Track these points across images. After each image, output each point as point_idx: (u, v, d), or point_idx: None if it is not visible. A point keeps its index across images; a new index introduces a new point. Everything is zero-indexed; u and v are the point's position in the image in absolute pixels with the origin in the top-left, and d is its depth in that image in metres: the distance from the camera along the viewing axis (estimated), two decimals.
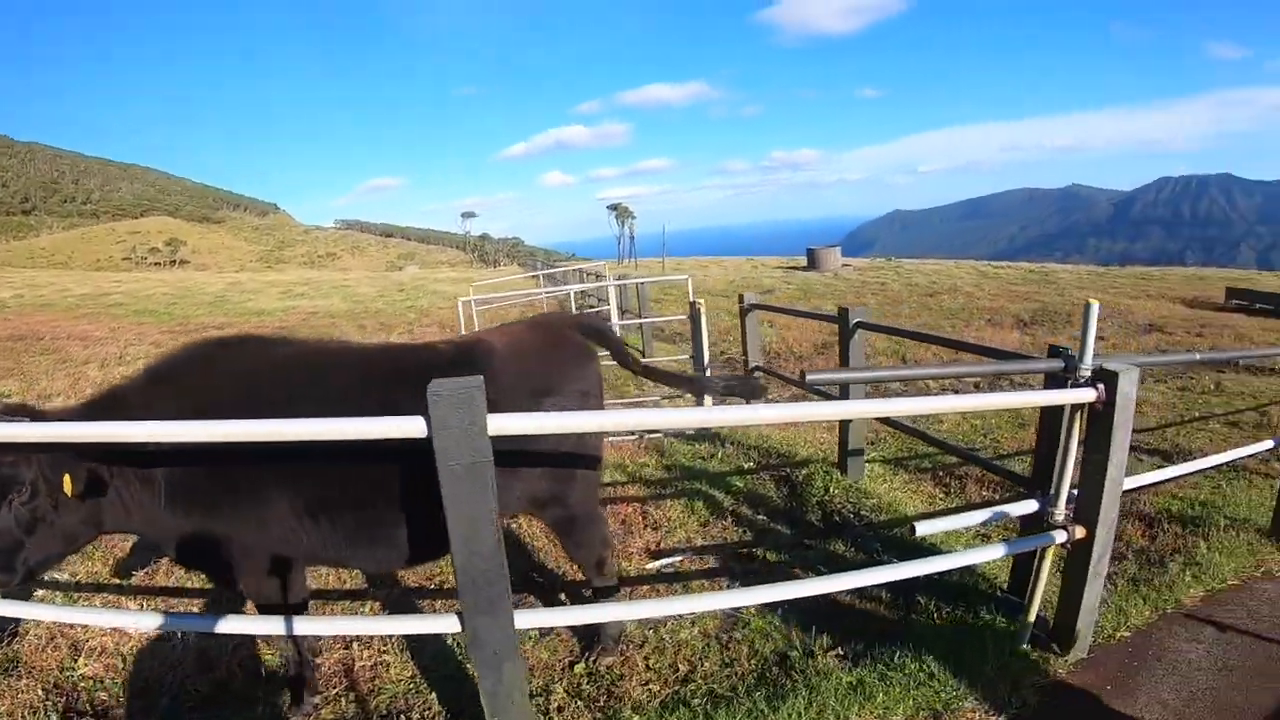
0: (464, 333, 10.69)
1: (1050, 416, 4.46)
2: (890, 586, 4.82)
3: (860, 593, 4.94)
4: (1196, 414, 10.65)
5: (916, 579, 4.25)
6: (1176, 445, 8.95)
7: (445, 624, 3.41)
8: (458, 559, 3.14)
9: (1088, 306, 3.78)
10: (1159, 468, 6.51)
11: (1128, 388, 3.76)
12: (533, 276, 35.93)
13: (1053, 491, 4.10)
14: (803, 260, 43.62)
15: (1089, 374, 3.85)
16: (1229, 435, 9.55)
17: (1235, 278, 44.90)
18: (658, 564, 5.78)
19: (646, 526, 6.40)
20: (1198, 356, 6.10)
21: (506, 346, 3.99)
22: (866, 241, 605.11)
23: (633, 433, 8.47)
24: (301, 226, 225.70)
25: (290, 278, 56.52)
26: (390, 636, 4.57)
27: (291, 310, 29.52)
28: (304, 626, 3.55)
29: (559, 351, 4.12)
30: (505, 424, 3.03)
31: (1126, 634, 4.71)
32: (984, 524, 5.73)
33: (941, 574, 4.86)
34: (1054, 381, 4.11)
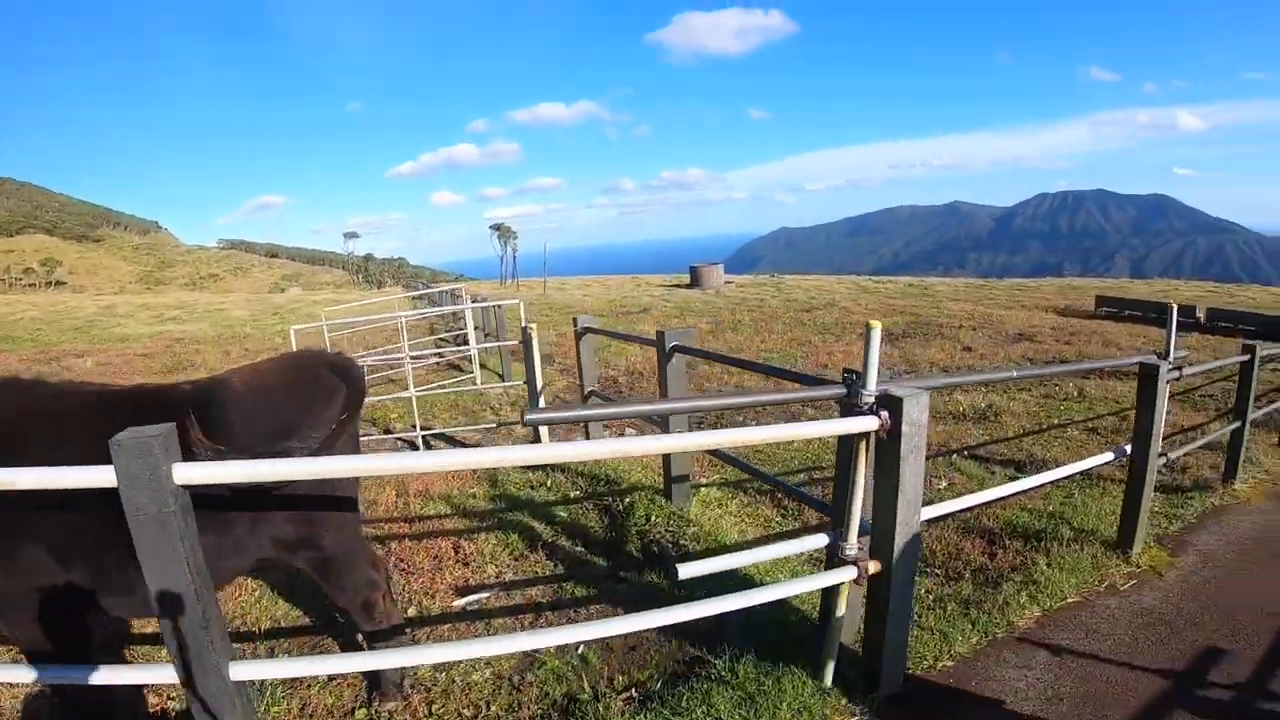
0: None
1: (845, 445, 4.14)
2: (696, 623, 4.47)
3: (666, 629, 4.56)
4: (1056, 421, 10.57)
5: (727, 613, 3.84)
6: (1031, 455, 8.83)
7: (163, 675, 3.16)
8: (157, 610, 2.94)
9: (869, 329, 3.45)
10: (1013, 479, 6.28)
11: (915, 413, 3.48)
12: (411, 298, 35.19)
13: (843, 525, 3.74)
14: (687, 278, 43.46)
15: (872, 400, 3.55)
16: (1086, 442, 9.49)
17: (1106, 286, 46.45)
18: (463, 601, 5.37)
19: (459, 562, 5.95)
20: (1014, 374, 5.76)
21: (246, 386, 3.73)
22: (754, 258, 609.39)
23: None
24: (184, 246, 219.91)
25: (167, 300, 54.71)
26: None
27: (159, 335, 28.31)
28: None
29: (301, 391, 3.81)
30: (192, 473, 2.82)
31: (949, 663, 4.41)
32: (796, 556, 5.39)
33: (752, 609, 4.51)
34: (848, 408, 3.75)
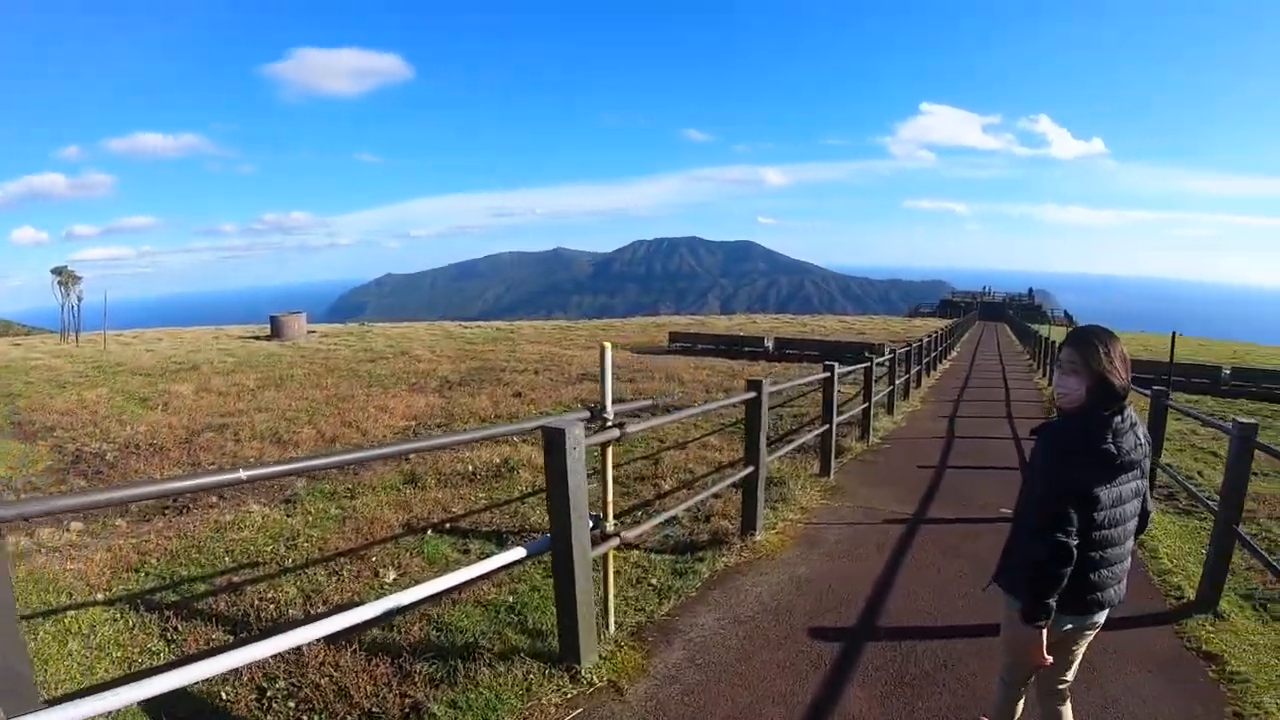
0: None
1: None
2: None
3: None
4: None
5: None
6: (525, 521, 7.61)
7: None
8: None
9: None
10: (484, 557, 4.55)
11: None
12: None
13: None
14: (268, 329, 40.09)
15: None
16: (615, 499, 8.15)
17: (689, 323, 48.05)
18: None
19: None
20: (244, 475, 3.10)
21: None
22: (358, 306, 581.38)
23: None
24: None
25: None
26: None
27: None
28: None
29: None
30: None
31: None
32: None
33: None
34: None
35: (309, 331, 39.36)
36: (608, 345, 4.18)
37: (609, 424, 4.27)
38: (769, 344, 30.06)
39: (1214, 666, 4.71)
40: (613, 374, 4.41)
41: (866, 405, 12.11)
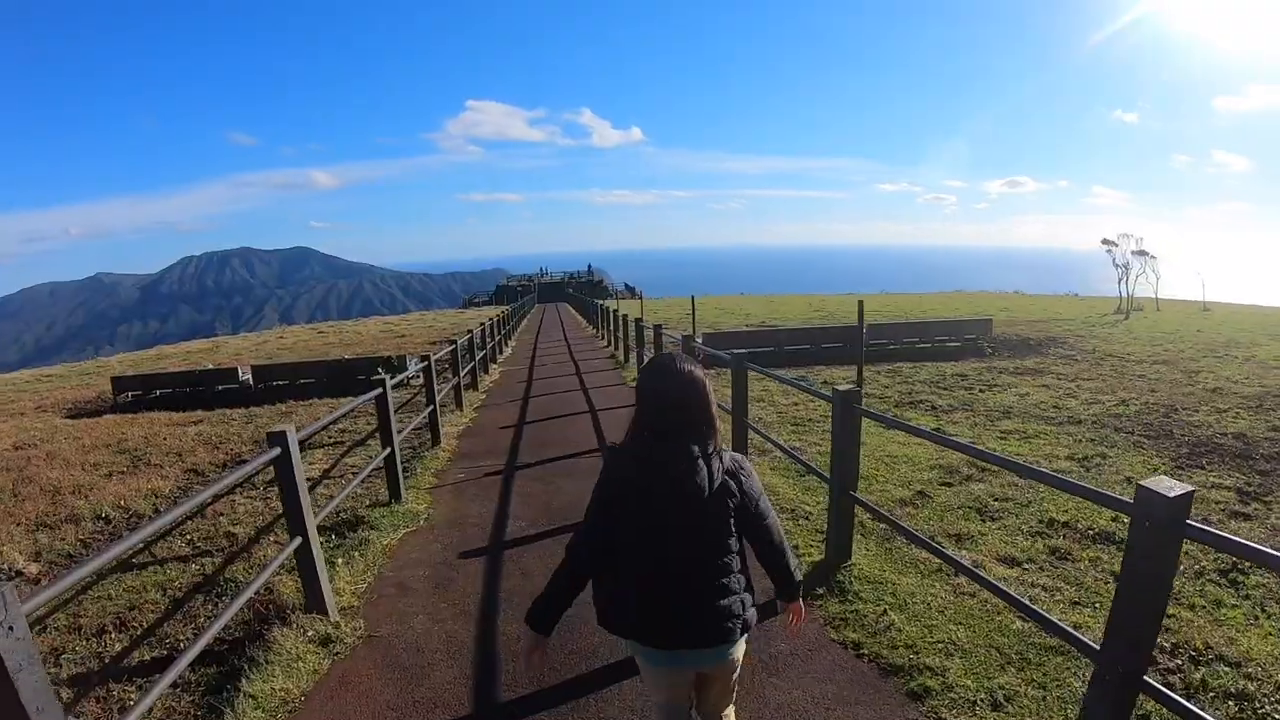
0: None
1: None
2: None
3: None
4: None
5: None
6: None
7: None
8: None
9: None
10: None
11: None
12: None
13: None
14: None
15: None
16: None
17: (168, 353, 37.80)
18: None
19: None
20: None
21: None
22: None
23: None
24: None
25: None
26: None
27: None
28: None
29: None
30: None
31: None
32: None
33: None
34: None
35: None
36: None
37: None
38: (246, 376, 22.55)
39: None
40: None
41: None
